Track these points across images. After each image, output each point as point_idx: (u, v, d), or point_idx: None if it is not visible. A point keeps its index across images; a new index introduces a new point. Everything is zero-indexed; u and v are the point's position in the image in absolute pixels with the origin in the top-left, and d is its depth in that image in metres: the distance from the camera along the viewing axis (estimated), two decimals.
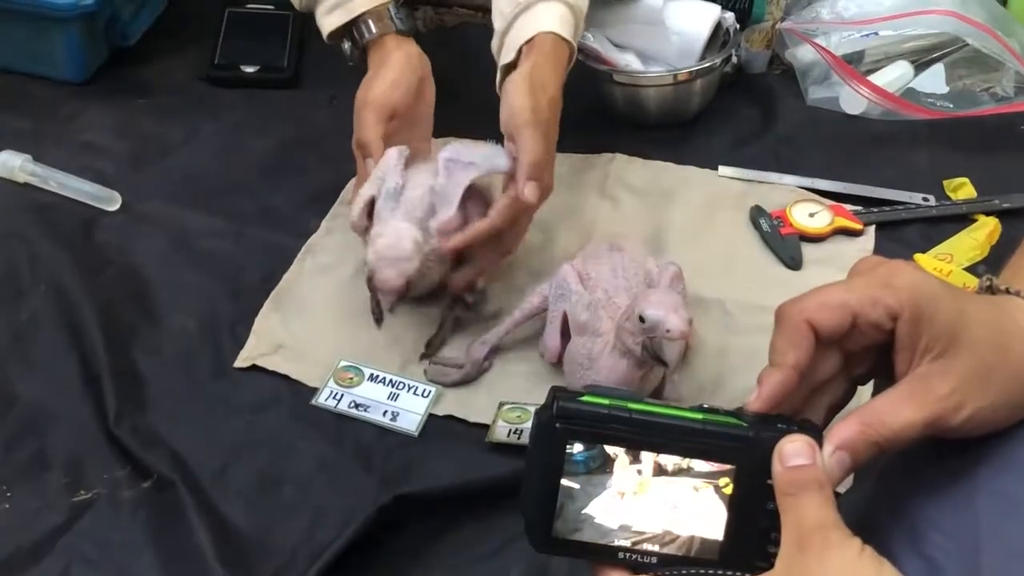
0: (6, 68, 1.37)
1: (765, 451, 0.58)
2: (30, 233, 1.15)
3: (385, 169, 1.01)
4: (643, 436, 0.59)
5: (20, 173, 1.22)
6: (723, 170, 1.24)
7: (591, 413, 0.59)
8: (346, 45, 1.10)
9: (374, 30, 1.07)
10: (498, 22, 1.07)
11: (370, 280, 0.97)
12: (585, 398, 0.60)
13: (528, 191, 0.94)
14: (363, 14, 1.07)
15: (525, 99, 0.96)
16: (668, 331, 0.85)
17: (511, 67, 1.03)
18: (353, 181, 1.13)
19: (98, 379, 1.01)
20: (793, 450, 0.57)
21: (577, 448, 0.59)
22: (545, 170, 0.97)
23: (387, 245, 0.96)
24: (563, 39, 1.03)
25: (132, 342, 1.05)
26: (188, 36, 1.43)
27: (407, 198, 0.99)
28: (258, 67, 1.38)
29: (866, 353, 0.64)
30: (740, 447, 0.59)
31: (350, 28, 1.08)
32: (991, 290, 0.66)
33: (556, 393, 0.60)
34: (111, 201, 1.20)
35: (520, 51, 1.02)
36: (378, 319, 1.03)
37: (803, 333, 0.61)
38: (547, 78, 1.00)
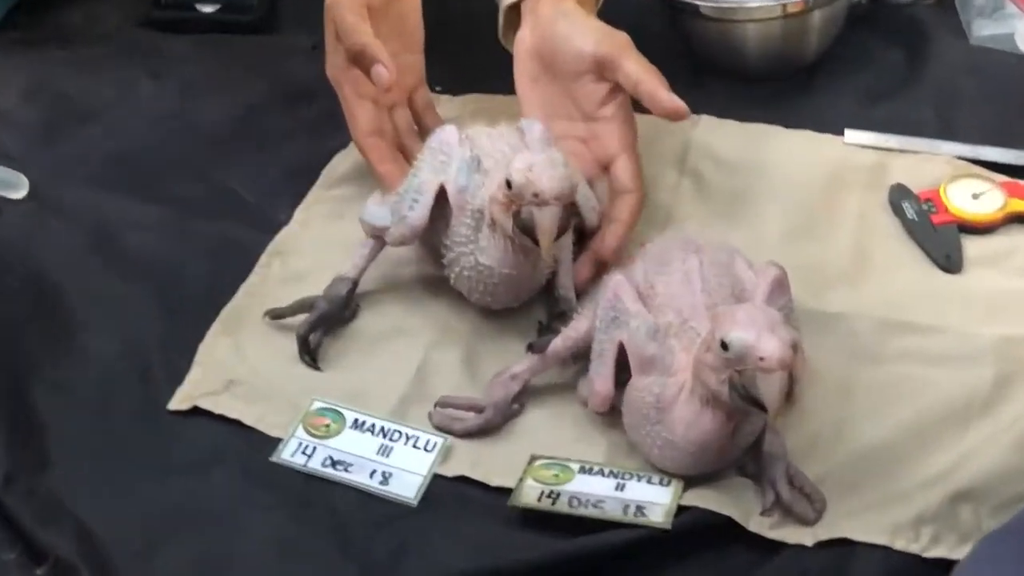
0: None
1: None
2: None
3: (447, 147, 0.84)
4: None
5: None
6: (850, 135, 0.98)
7: None
8: None
9: None
10: None
11: (516, 215, 0.76)
12: None
13: (676, 100, 0.84)
14: None
15: (599, 28, 0.87)
16: (762, 359, 0.66)
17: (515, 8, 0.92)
18: (340, 156, 0.95)
19: None
20: None
21: None
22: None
23: (540, 158, 0.77)
24: None
25: (31, 375, 0.83)
26: None
27: (493, 171, 0.81)
28: (218, 6, 1.14)
29: None
30: None
31: None
32: None
33: None
34: (15, 187, 0.99)
35: None
36: (311, 357, 0.83)
37: None
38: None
